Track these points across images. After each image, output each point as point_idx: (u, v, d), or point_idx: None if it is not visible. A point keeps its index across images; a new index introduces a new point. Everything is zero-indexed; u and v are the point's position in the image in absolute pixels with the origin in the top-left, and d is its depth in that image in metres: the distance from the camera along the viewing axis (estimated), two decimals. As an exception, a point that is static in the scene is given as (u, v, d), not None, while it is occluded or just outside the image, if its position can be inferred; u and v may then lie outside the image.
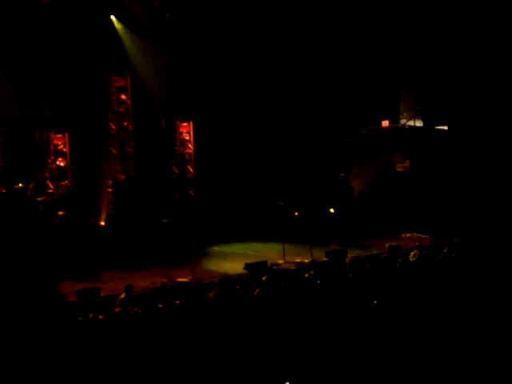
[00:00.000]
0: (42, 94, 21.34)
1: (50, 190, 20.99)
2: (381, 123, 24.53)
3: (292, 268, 17.61)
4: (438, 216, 21.51)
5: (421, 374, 11.38)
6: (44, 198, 20.51)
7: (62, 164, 21.43)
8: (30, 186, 20.40)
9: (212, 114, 23.34)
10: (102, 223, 21.48)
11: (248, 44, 23.31)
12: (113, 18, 22.33)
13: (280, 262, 19.28)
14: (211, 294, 13.66)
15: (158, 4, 22.73)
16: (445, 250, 16.44)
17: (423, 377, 11.33)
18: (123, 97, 22.64)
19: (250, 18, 23.07)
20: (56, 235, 19.49)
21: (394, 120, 24.89)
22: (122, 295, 14.54)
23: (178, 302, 12.99)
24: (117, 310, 12.93)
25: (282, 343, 12.02)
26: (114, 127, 22.68)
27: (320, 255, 19.08)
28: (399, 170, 23.86)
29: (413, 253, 16.76)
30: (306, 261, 19.02)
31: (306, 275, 15.06)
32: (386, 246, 17.30)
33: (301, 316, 12.79)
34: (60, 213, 19.96)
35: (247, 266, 18.09)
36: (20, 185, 20.26)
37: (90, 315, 12.31)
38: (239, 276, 16.68)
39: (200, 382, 11.16)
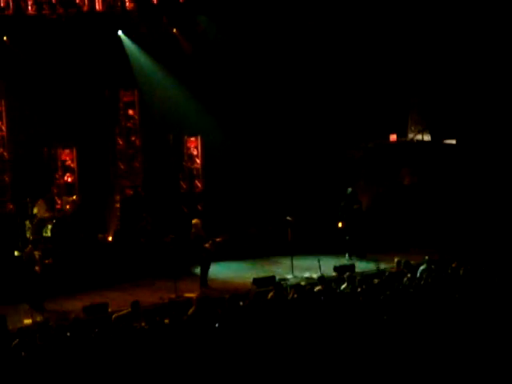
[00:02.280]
0: (50, 109, 21.40)
1: (58, 206, 20.99)
2: (389, 137, 24.47)
3: (302, 283, 17.55)
4: (446, 230, 21.44)
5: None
6: (52, 214, 20.49)
7: (69, 179, 21.45)
8: (39, 202, 20.39)
9: (219, 128, 23.32)
10: (110, 239, 21.45)
11: (256, 58, 23.30)
12: (120, 33, 22.34)
13: (288, 276, 19.23)
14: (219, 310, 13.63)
15: (166, 20, 22.74)
16: (453, 265, 16.34)
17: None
18: (131, 112, 22.67)
19: (257, 32, 23.08)
20: (65, 250, 19.48)
21: (402, 134, 24.84)
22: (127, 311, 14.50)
23: (185, 317, 12.95)
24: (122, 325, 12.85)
25: (290, 358, 11.96)
26: (121, 142, 22.69)
27: (329, 270, 19.02)
28: (407, 183, 23.78)
29: (422, 267, 16.65)
30: (315, 275, 18.96)
31: (315, 290, 15.01)
32: (395, 260, 17.20)
33: (308, 331, 12.72)
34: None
35: (255, 281, 18.03)
36: (27, 200, 20.22)
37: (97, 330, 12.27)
38: (247, 291, 16.63)
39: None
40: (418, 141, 24.54)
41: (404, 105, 24.91)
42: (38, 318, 16.30)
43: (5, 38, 20.85)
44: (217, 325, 12.69)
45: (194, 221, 19.33)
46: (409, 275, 15.88)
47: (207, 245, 19.14)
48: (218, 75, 23.32)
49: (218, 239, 19.58)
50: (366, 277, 16.52)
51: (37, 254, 17.81)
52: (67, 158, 21.45)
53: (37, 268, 17.47)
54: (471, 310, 13.58)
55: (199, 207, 23.10)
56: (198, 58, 23.23)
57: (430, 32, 23.52)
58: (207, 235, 19.38)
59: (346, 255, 21.16)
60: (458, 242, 20.46)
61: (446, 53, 23.60)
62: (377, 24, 23.53)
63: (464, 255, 18.13)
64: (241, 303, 14.16)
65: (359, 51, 23.61)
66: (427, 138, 24.60)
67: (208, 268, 19.18)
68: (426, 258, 17.12)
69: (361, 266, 19.72)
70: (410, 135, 24.80)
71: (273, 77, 23.46)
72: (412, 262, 16.71)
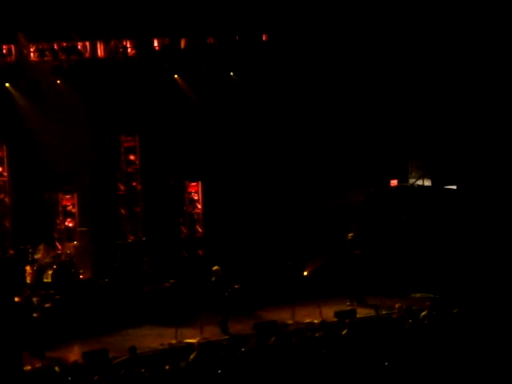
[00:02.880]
0: (51, 154, 21.49)
1: (58, 251, 20.97)
2: (389, 182, 24.52)
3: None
4: (447, 275, 21.39)
5: None
6: (52, 259, 20.45)
7: (70, 225, 21.46)
8: (40, 247, 20.39)
9: (221, 173, 23.40)
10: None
11: (253, 100, 23.47)
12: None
13: (289, 322, 19.13)
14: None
15: (167, 67, 22.95)
16: (455, 311, 16.27)
17: None
18: (132, 157, 22.74)
19: (260, 78, 23.32)
20: (65, 295, 19.40)
21: (403, 179, 24.88)
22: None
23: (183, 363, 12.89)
24: (122, 372, 12.79)
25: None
26: (122, 187, 22.74)
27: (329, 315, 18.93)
28: (407, 228, 23.75)
29: (423, 313, 16.58)
30: (316, 321, 18.89)
31: (317, 335, 14.96)
32: (396, 306, 17.12)
33: (310, 376, 12.66)
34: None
35: (256, 327, 17.91)
36: (28, 246, 20.21)
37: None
38: (249, 336, 16.52)
39: None
40: (418, 186, 24.57)
41: (404, 150, 24.98)
42: (37, 365, 16.25)
43: (7, 84, 21.03)
44: (219, 371, 12.63)
45: (214, 268, 19.35)
46: (410, 321, 15.81)
47: (236, 286, 19.23)
48: (220, 121, 23.44)
49: (236, 286, 19.58)
50: (367, 322, 16.45)
51: (35, 299, 17.79)
52: (68, 203, 21.48)
53: (35, 314, 17.41)
54: (473, 357, 13.52)
55: (200, 252, 23.06)
56: (200, 103, 23.37)
57: (429, 76, 23.67)
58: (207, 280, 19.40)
59: (347, 301, 21.06)
60: (458, 286, 20.39)
61: (446, 100, 23.72)
62: (377, 66, 23.69)
63: (464, 299, 18.06)
64: (242, 349, 14.11)
65: (360, 96, 23.74)
66: (428, 183, 24.64)
67: (230, 313, 19.09)
68: (428, 303, 17.07)
69: (362, 312, 19.62)
70: (411, 180, 24.84)
71: (275, 121, 23.58)
72: (413, 308, 16.65)
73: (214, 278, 19.26)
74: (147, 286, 20.64)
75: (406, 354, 13.86)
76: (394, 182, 24.54)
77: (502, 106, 22.95)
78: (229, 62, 23.39)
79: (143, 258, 21.48)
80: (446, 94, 23.69)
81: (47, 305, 18.07)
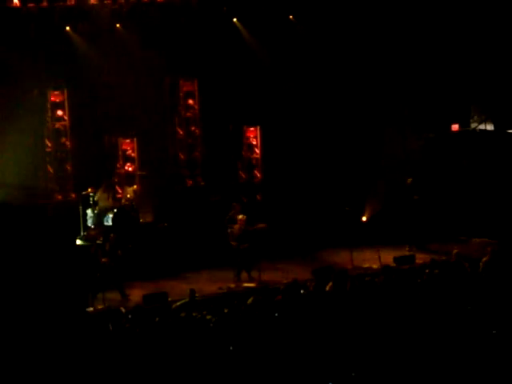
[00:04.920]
0: (110, 98, 21.60)
1: (119, 195, 21.16)
2: (451, 127, 24.16)
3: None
4: (508, 221, 21.11)
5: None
6: (113, 203, 20.66)
7: (130, 169, 21.59)
8: (99, 191, 20.59)
9: (279, 118, 23.27)
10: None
11: (313, 45, 23.21)
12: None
13: (348, 266, 19.12)
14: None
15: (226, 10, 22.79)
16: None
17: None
18: (191, 102, 22.73)
19: (312, 17, 23.03)
20: (126, 240, 19.60)
21: (465, 124, 24.49)
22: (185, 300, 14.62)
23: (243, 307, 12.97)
24: (182, 314, 12.94)
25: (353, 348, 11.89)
26: (181, 132, 22.78)
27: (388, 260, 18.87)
28: (468, 174, 23.43)
29: (484, 259, 16.41)
30: (375, 266, 18.86)
31: (376, 280, 14.93)
32: (454, 252, 16.93)
33: (367, 322, 12.64)
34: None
35: (314, 272, 17.95)
36: (89, 190, 20.42)
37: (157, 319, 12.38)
38: (306, 281, 16.56)
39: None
40: (480, 130, 24.17)
41: (466, 94, 24.53)
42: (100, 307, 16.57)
43: (67, 28, 21.11)
44: (276, 314, 12.69)
45: (239, 216, 19.27)
46: (467, 266, 15.69)
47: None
48: (278, 65, 23.23)
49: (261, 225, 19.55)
50: (426, 268, 16.33)
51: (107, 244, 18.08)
52: (128, 148, 21.57)
53: (104, 259, 17.73)
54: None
55: (258, 197, 23.07)
56: (259, 47, 23.18)
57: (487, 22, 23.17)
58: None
59: (407, 246, 20.95)
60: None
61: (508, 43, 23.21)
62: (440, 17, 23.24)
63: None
64: (301, 291, 14.16)
65: (422, 40, 23.31)
66: (490, 127, 24.22)
67: (246, 263, 18.99)
68: (489, 249, 16.84)
69: (421, 257, 19.51)
70: (473, 125, 24.44)
71: (335, 67, 23.31)
72: (473, 254, 16.49)
73: (238, 225, 19.11)
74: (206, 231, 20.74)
75: (465, 299, 13.74)
76: (455, 127, 24.18)
77: None
78: (288, 5, 23.11)
79: (202, 202, 21.58)
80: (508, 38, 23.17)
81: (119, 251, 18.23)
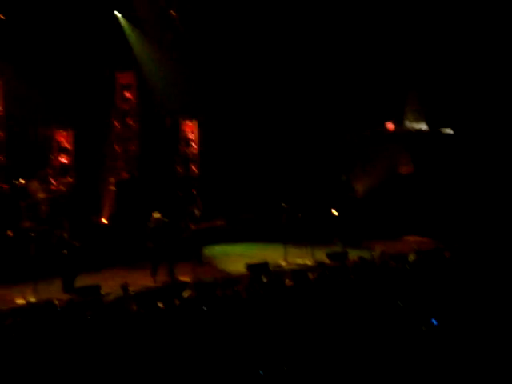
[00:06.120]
0: (47, 89, 21.33)
1: (52, 187, 20.94)
2: (385, 125, 24.45)
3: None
4: (441, 219, 21.47)
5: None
6: (46, 194, 20.43)
7: (64, 161, 21.37)
8: (32, 182, 20.33)
9: (217, 113, 23.28)
10: (104, 221, 21.42)
11: (253, 43, 23.24)
12: (118, 14, 22.24)
13: (282, 263, 19.23)
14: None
15: (165, 3, 22.68)
16: (446, 254, 16.37)
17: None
18: (128, 94, 22.59)
19: (255, 17, 23.01)
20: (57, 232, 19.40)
21: (399, 122, 24.82)
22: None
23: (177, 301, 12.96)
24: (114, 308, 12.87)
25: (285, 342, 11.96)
26: (117, 125, 22.62)
27: (321, 257, 19.02)
28: (403, 172, 23.77)
29: (411, 256, 16.68)
30: (308, 262, 18.99)
31: (310, 276, 15.06)
32: (378, 250, 17.20)
33: (304, 317, 12.75)
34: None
35: (249, 267, 18.01)
36: (21, 181, 20.15)
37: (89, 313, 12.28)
38: (241, 276, 16.62)
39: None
40: (415, 130, 24.51)
41: (401, 93, 24.84)
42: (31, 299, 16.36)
43: (1, 15, 20.76)
44: (212, 309, 12.70)
45: (155, 214, 18.87)
46: (395, 265, 15.93)
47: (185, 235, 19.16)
48: (217, 60, 23.23)
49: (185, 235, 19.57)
50: (359, 264, 16.52)
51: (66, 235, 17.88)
52: (63, 140, 21.35)
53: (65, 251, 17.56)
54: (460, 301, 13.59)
55: (194, 191, 23.04)
56: (197, 40, 23.14)
57: (427, 21, 23.44)
58: (203, 219, 19.40)
59: (339, 243, 21.15)
60: (453, 231, 20.47)
61: (444, 43, 23.53)
62: (375, 12, 23.45)
63: (458, 244, 18.15)
64: (235, 288, 14.20)
65: (358, 39, 23.53)
66: (424, 127, 24.57)
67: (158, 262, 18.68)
68: (416, 248, 17.16)
69: (354, 254, 19.71)
70: (407, 124, 24.76)
71: (271, 63, 23.39)
72: (403, 252, 16.74)
73: (152, 225, 18.75)
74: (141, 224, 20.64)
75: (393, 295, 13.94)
76: (389, 125, 24.48)
77: (499, 49, 22.78)
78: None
79: (137, 196, 21.48)
80: (444, 37, 23.49)
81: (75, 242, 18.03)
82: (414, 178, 23.37)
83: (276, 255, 19.83)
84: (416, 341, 12.10)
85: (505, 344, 11.89)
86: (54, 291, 16.93)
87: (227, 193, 22.80)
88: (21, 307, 15.72)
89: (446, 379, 11.05)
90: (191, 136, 23.22)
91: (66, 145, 21.38)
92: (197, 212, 20.32)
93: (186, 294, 13.79)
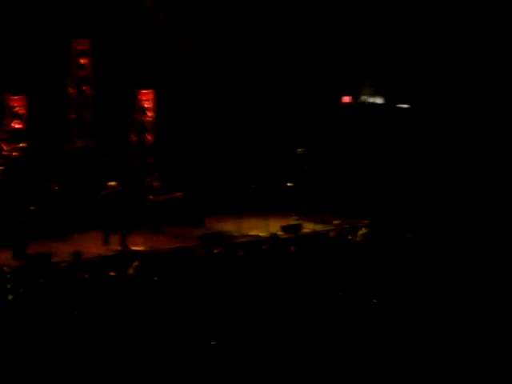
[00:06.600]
0: (1, 55, 20.99)
1: (5, 153, 20.67)
2: (341, 99, 24.52)
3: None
4: (393, 195, 21.64)
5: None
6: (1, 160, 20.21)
7: (18, 126, 21.09)
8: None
9: (174, 82, 23.12)
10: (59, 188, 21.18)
11: (214, 12, 23.11)
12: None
13: (235, 234, 19.25)
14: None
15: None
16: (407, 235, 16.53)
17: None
18: (83, 61, 22.27)
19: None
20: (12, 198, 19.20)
21: (356, 97, 24.89)
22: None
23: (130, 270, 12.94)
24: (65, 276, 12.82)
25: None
26: (72, 91, 22.33)
27: (276, 229, 19.09)
28: (359, 146, 23.88)
29: (361, 232, 16.85)
30: (262, 234, 19.04)
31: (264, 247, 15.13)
32: (334, 222, 17.34)
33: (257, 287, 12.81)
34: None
35: (202, 238, 18.02)
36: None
37: (40, 280, 12.21)
38: (194, 247, 16.62)
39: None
40: (371, 103, 24.61)
41: (358, 68, 24.90)
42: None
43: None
44: (164, 279, 12.71)
45: (110, 183, 18.83)
46: (349, 237, 16.07)
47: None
48: (175, 30, 23.05)
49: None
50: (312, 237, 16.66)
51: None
52: (16, 105, 21.05)
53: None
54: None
55: (149, 160, 22.92)
56: (158, 9, 22.94)
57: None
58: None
59: (294, 215, 21.22)
60: (402, 208, 20.66)
61: (400, 17, 23.61)
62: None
63: (406, 221, 18.33)
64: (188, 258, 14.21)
65: (316, 16, 23.52)
66: (380, 101, 24.68)
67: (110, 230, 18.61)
68: (366, 222, 17.32)
69: (308, 227, 19.82)
70: (363, 98, 24.85)
71: (231, 32, 23.29)
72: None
73: (105, 192, 18.72)
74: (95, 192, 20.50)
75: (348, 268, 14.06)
76: (346, 99, 24.56)
77: (455, 22, 22.89)
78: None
79: (91, 164, 21.31)
80: (400, 13, 23.57)
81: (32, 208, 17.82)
82: (370, 152, 23.47)
83: (230, 226, 19.88)
84: (362, 313, 12.23)
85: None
86: (5, 258, 16.82)
87: (184, 163, 22.70)
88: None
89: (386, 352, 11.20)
90: (147, 105, 23.03)
91: (20, 110, 21.04)
92: (156, 184, 20.26)
93: (135, 264, 13.76)
